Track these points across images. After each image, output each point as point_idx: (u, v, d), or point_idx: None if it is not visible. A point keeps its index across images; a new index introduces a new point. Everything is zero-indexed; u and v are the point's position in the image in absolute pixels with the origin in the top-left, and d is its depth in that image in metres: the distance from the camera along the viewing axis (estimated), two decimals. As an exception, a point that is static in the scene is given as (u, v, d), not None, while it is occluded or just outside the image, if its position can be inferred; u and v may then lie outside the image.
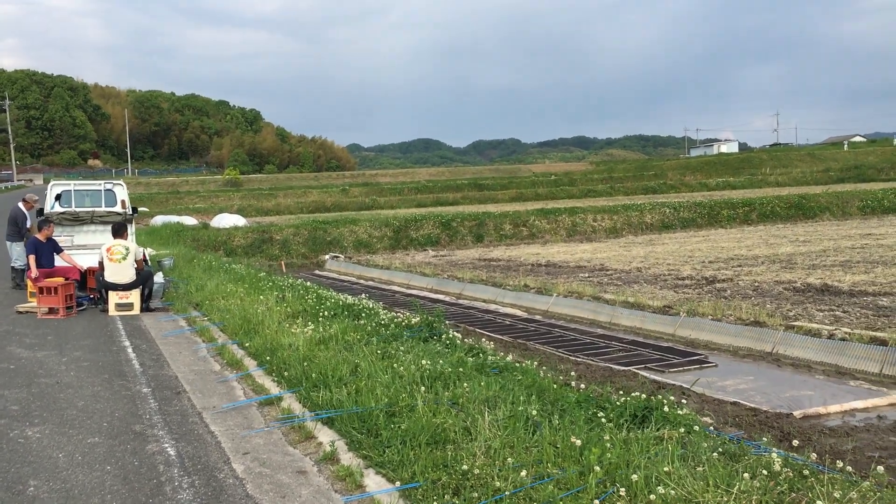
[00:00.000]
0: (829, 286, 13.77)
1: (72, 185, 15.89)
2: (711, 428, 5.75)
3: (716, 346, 10.22)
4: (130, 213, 15.82)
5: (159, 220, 42.93)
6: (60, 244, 13.56)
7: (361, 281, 19.67)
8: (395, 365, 7.00)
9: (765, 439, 5.36)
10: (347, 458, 5.32)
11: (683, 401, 7.62)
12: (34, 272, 12.21)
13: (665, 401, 5.72)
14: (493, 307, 14.23)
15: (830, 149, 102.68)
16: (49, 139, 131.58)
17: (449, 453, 4.98)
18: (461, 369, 6.95)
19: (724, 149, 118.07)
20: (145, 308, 11.89)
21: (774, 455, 4.60)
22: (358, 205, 58.27)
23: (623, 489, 4.20)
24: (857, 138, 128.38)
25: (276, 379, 7.36)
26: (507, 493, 4.34)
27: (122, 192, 15.89)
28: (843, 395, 7.57)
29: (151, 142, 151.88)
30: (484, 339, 10.59)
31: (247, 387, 7.40)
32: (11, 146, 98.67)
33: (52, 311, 11.40)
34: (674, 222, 31.21)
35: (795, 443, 5.32)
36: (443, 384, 6.40)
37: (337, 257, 24.60)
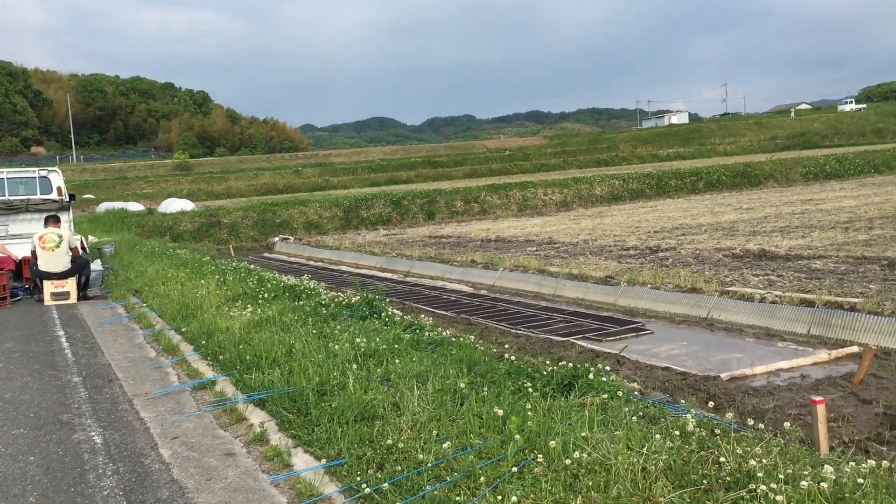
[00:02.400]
0: (767, 251, 14.08)
1: (4, 172, 15.48)
2: (636, 393, 5.87)
3: (654, 313, 10.40)
4: (67, 199, 15.50)
5: (104, 206, 42.17)
6: None
7: (311, 262, 19.57)
8: (330, 344, 7.01)
9: (683, 401, 5.51)
10: (277, 438, 5.33)
11: (613, 368, 7.77)
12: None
13: (592, 369, 5.82)
14: (440, 284, 14.28)
15: (777, 117, 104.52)
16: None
17: (376, 429, 5.03)
18: (396, 346, 6.99)
19: (675, 120, 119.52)
20: (83, 296, 11.70)
21: (689, 416, 4.71)
22: (311, 185, 57.83)
23: (541, 456, 4.28)
24: (804, 106, 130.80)
25: (210, 363, 7.33)
26: (429, 464, 4.39)
27: (57, 179, 15.55)
28: (771, 357, 7.77)
29: (97, 127, 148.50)
30: (424, 316, 10.64)
31: (181, 372, 7.35)
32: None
33: (-14, 302, 11.15)
34: (623, 194, 31.55)
35: (711, 404, 5.44)
36: (376, 361, 6.44)
37: (287, 239, 24.42)
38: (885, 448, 4.91)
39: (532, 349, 8.84)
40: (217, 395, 6.43)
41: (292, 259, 20.62)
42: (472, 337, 8.27)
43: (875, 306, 8.92)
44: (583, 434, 4.44)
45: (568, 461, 4.14)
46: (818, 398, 4.38)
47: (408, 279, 15.23)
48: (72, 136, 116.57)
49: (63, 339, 8.94)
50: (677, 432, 4.46)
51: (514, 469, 4.18)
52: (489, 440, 4.54)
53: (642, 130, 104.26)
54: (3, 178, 15.34)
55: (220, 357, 7.24)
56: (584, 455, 4.18)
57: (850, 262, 12.31)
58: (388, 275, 16.06)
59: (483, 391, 5.57)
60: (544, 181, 32.84)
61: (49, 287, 11.32)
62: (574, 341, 8.94)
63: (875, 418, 5.80)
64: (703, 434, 4.51)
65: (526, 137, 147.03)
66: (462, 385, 5.59)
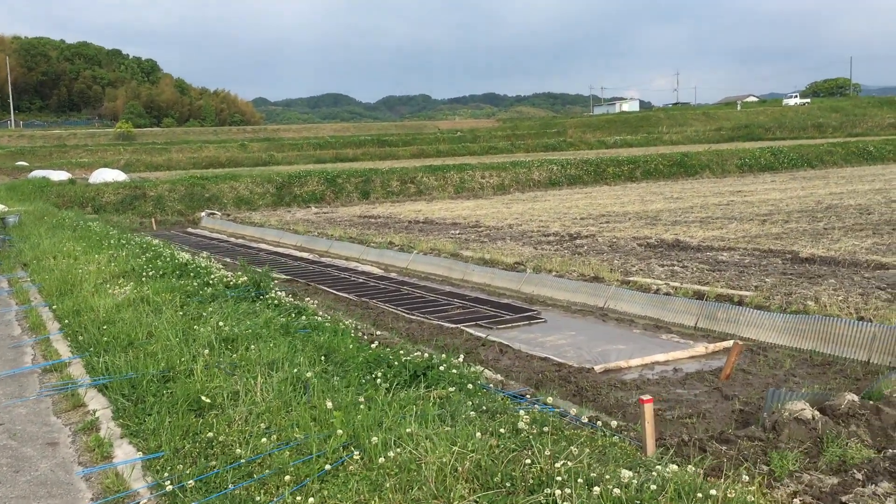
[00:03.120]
0: (681, 241, 14.13)
1: None
2: (491, 386, 5.73)
3: (554, 301, 10.33)
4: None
5: (36, 174, 40.84)
6: None
7: (232, 239, 19.15)
8: (196, 327, 6.75)
9: (528, 396, 5.38)
10: (107, 427, 5.09)
11: (495, 356, 7.68)
12: None
13: (447, 360, 5.67)
14: (353, 265, 14.05)
15: (724, 108, 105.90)
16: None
17: (206, 420, 4.82)
18: (264, 330, 6.76)
19: (626, 107, 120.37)
20: (-32, 269, 11.20)
21: (521, 412, 4.59)
22: (255, 161, 56.84)
23: (358, 453, 4.11)
24: (751, 98, 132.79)
25: (70, 344, 7.01)
26: (243, 460, 4.20)
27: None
28: (652, 349, 7.74)
29: (39, 92, 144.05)
30: (321, 298, 10.44)
31: (39, 352, 7.03)
32: None
33: None
34: (561, 179, 31.59)
35: (554, 399, 5.31)
36: (233, 347, 6.20)
37: (213, 214, 23.89)
38: (724, 447, 4.86)
39: (420, 335, 8.70)
40: (65, 379, 6.13)
41: (214, 235, 20.15)
42: (353, 321, 8.09)
43: (763, 300, 8.95)
44: (407, 430, 4.28)
45: (382, 459, 3.98)
46: (646, 397, 4.29)
47: (323, 259, 14.96)
48: (10, 100, 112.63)
49: (-73, 314, 8.52)
50: (504, 430, 4.33)
51: (328, 467, 4.01)
52: (311, 435, 4.35)
53: (593, 117, 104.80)
54: None
55: (80, 338, 6.94)
56: (400, 453, 4.02)
57: (757, 254, 12.40)
58: (306, 254, 15.77)
59: (333, 381, 5.39)
60: (482, 164, 32.69)
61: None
62: (464, 328, 8.81)
63: (731, 415, 5.76)
64: (534, 431, 4.39)
65: (480, 119, 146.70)
66: (309, 374, 5.38)
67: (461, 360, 5.88)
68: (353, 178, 28.48)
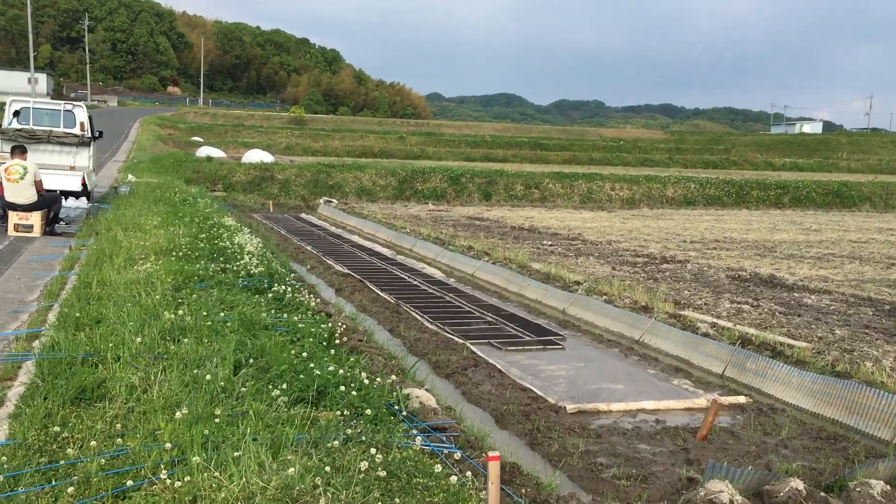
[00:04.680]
0: (776, 278, 12.87)
1: (31, 102, 15.99)
2: (404, 413, 5.26)
3: (593, 327, 9.63)
4: (89, 135, 15.86)
5: (203, 150, 43.48)
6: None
7: (332, 228, 19.44)
8: (166, 313, 6.70)
9: (448, 429, 4.89)
10: (6, 407, 5.11)
11: (479, 378, 7.21)
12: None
13: (349, 382, 5.28)
14: (421, 266, 13.82)
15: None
16: (132, 63, 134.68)
17: (77, 412, 4.71)
18: (228, 324, 6.64)
19: (807, 129, 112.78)
20: (49, 231, 11.93)
21: (373, 450, 4.15)
22: (406, 153, 58.00)
23: (165, 473, 3.81)
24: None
25: (58, 314, 7.17)
26: (63, 462, 4.03)
27: (81, 115, 15.95)
28: (650, 393, 6.98)
29: (231, 74, 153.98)
30: (353, 297, 10.30)
31: (33, 320, 7.25)
32: (87, 67, 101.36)
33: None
34: (697, 198, 29.91)
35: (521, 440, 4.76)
36: (177, 337, 6.10)
37: (330, 202, 24.41)
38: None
39: (424, 348, 8.34)
40: (21, 350, 6.26)
41: (319, 223, 20.55)
42: (341, 324, 7.83)
43: (811, 355, 7.91)
44: (235, 454, 3.96)
45: (179, 483, 3.68)
46: (494, 454, 3.74)
47: (398, 257, 14.83)
48: (201, 80, 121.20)
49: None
50: (350, 466, 3.93)
51: (129, 482, 3.75)
52: (137, 447, 4.10)
53: (766, 136, 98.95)
54: (30, 108, 15.86)
55: (65, 310, 7.08)
56: (202, 476, 3.72)
57: (850, 301, 11.05)
58: (387, 250, 15.70)
59: (238, 387, 5.16)
60: (613, 175, 31.47)
61: (13, 218, 11.58)
62: (472, 345, 8.35)
63: (676, 483, 5.03)
64: (380, 474, 3.96)
65: (650, 130, 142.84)
66: (208, 377, 5.16)
67: (429, 381, 5.45)
68: (476, 179, 28.25)
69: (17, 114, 15.53)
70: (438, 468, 4.13)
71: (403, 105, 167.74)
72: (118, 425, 4.48)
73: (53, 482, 3.78)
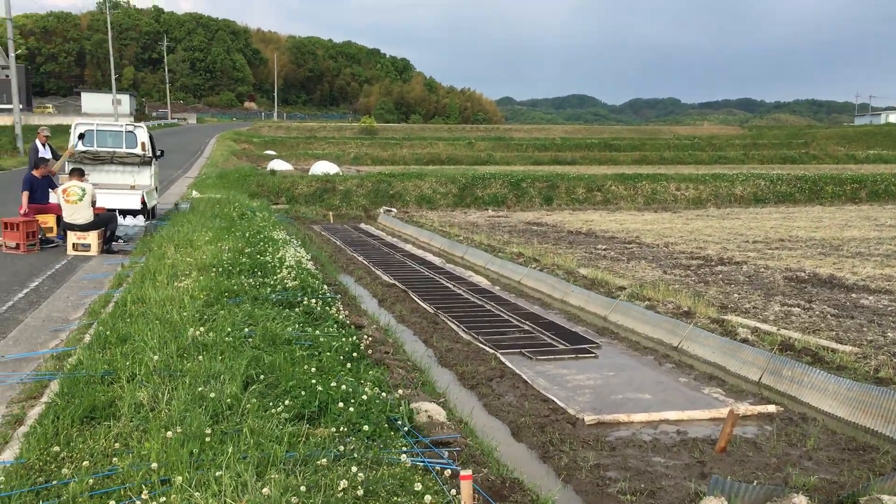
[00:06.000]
0: (835, 278, 12.37)
1: (94, 124, 16.61)
2: (406, 428, 5.23)
3: (632, 333, 9.44)
4: (150, 154, 16.41)
5: (274, 163, 44.44)
6: None
7: (388, 237, 19.59)
8: (191, 329, 6.87)
9: (453, 444, 4.85)
10: (22, 428, 5.31)
11: (502, 390, 7.14)
12: (24, 207, 12.93)
13: (350, 398, 5.29)
14: (468, 274, 13.78)
15: None
16: (210, 80, 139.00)
17: (84, 431, 4.85)
18: (250, 339, 6.76)
19: (893, 118, 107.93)
20: (106, 249, 12.35)
21: (354, 468, 4.15)
22: (473, 159, 57.96)
23: (145, 492, 3.89)
24: None
25: (93, 333, 7.41)
26: (56, 482, 4.16)
27: (142, 135, 16.49)
28: (676, 403, 6.79)
29: (305, 87, 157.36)
30: (394, 307, 10.36)
31: (71, 337, 7.51)
32: (167, 86, 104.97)
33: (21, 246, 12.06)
34: (768, 196, 28.97)
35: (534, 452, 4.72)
36: (195, 354, 6.23)
37: (389, 211, 24.61)
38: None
39: (454, 358, 8.31)
40: (49, 370, 6.50)
41: (376, 232, 20.74)
42: (370, 335, 7.86)
43: (854, 360, 7.56)
44: (217, 474, 4.02)
45: (155, 503, 3.76)
46: (466, 473, 3.68)
47: (447, 266, 14.83)
48: (275, 94, 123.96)
49: (25, 290, 9.48)
50: (333, 485, 3.95)
51: (112, 503, 3.84)
52: (125, 469, 4.19)
53: (850, 128, 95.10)
54: (93, 130, 16.48)
55: (99, 328, 7.31)
56: (180, 496, 3.79)
57: (911, 302, 10.51)
58: (438, 259, 15.72)
59: (244, 403, 5.24)
60: (679, 175, 30.74)
61: (72, 238, 12.06)
62: (501, 355, 8.28)
63: (684, 498, 4.87)
64: (359, 493, 3.96)
65: (730, 126, 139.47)
66: (213, 395, 5.24)
67: (449, 396, 5.44)
68: (537, 183, 28.04)
69: (81, 136, 16.16)
70: (419, 486, 4.10)
71: (474, 111, 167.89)
72: (117, 444, 4.61)
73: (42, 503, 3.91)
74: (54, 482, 4.10)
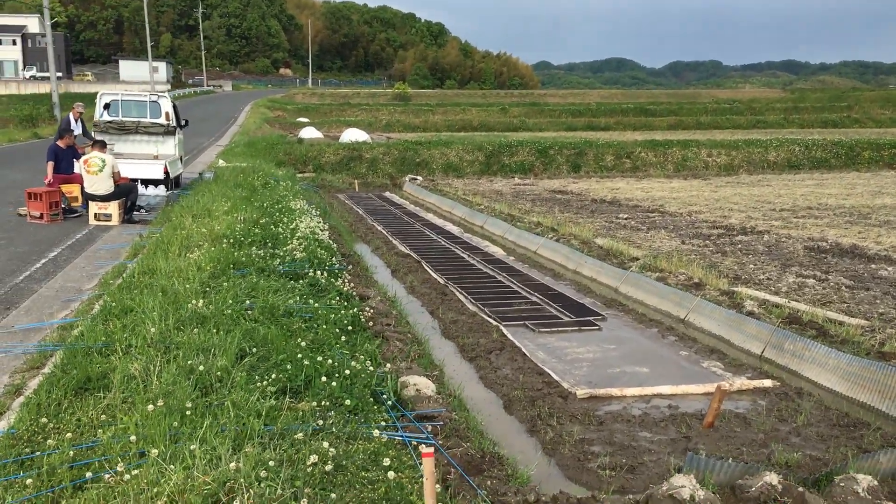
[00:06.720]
0: (857, 248, 12.15)
1: (119, 94, 16.81)
2: (389, 402, 5.31)
3: (640, 305, 9.39)
4: (174, 124, 16.59)
5: (306, 131, 44.56)
6: None
7: (411, 206, 19.62)
8: (193, 301, 6.99)
9: (437, 418, 4.91)
10: (21, 396, 5.47)
11: (500, 363, 7.18)
12: (49, 177, 13.19)
13: (334, 372, 5.37)
14: (484, 244, 13.78)
15: None
16: (246, 47, 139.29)
17: (76, 402, 4.99)
18: (251, 312, 6.86)
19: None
20: (127, 219, 12.57)
21: (325, 443, 4.23)
22: (505, 125, 57.53)
23: (121, 464, 4.00)
24: None
25: (102, 304, 7.57)
26: (38, 452, 4.30)
27: (166, 105, 16.67)
28: (673, 377, 6.77)
29: (340, 53, 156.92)
30: (406, 277, 10.43)
31: (80, 307, 7.69)
32: (203, 53, 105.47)
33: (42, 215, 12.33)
34: (802, 162, 28.39)
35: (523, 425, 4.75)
36: (192, 326, 6.34)
37: (414, 179, 24.59)
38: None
39: (458, 330, 8.35)
40: (55, 340, 6.67)
41: (399, 201, 20.77)
42: (373, 306, 7.93)
43: (859, 333, 7.45)
44: (192, 447, 4.12)
45: (128, 475, 3.86)
46: (428, 450, 3.73)
47: (464, 235, 14.84)
48: (310, 61, 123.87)
49: (44, 260, 9.72)
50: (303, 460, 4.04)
51: (89, 475, 3.95)
52: (107, 443, 4.31)
53: (893, 90, 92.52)
54: (118, 100, 16.69)
55: (107, 298, 7.47)
56: (150, 470, 3.89)
57: (932, 274, 10.29)
58: (456, 228, 15.73)
59: (234, 376, 5.34)
60: (711, 140, 30.18)
61: (93, 208, 12.29)
62: (503, 327, 8.31)
63: (665, 474, 4.88)
64: (327, 468, 4.04)
65: (772, 89, 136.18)
66: (201, 368, 5.34)
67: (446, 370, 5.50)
68: (564, 150, 27.78)
69: (107, 106, 16.38)
70: (387, 461, 4.17)
71: (510, 76, 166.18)
72: (103, 416, 4.74)
73: (21, 473, 4.05)
74: (37, 453, 4.25)
